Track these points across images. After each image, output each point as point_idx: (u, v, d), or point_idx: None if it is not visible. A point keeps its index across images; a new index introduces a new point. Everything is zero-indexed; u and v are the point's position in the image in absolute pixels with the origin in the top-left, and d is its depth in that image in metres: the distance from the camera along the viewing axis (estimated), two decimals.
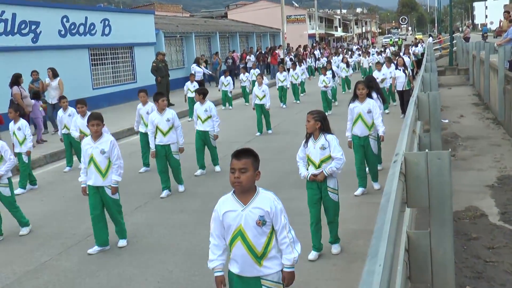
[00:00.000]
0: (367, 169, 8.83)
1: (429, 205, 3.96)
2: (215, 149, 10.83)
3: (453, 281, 3.97)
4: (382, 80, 16.63)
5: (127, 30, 24.82)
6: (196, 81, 21.27)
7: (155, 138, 9.32)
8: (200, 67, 24.03)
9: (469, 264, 5.88)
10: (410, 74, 17.10)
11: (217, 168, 10.86)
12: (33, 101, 14.97)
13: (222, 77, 21.16)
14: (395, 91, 16.63)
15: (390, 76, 16.67)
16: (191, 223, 7.90)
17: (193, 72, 21.87)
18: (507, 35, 15.46)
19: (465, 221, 7.20)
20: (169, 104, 19.99)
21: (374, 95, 9.34)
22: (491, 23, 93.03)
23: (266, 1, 64.78)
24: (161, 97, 9.45)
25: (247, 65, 29.52)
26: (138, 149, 11.91)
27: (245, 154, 3.80)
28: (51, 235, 7.76)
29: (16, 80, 14.25)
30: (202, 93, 10.71)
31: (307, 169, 6.36)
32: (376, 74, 16.69)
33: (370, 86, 8.98)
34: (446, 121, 14.62)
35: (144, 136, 11.06)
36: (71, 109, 11.59)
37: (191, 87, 18.46)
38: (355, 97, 8.65)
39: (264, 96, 14.57)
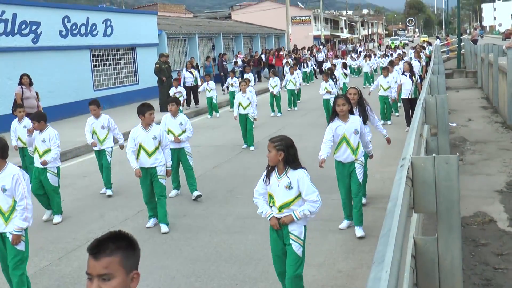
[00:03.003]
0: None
1: (436, 210, 3.91)
2: (191, 169, 9.21)
3: None
4: (387, 88, 15.42)
5: (129, 30, 24.73)
6: (187, 87, 20.66)
7: (137, 158, 7.76)
8: (190, 72, 22.08)
9: (478, 271, 5.78)
10: (418, 80, 15.49)
11: (196, 193, 9.10)
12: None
13: (205, 83, 19.58)
14: (400, 99, 14.75)
15: (395, 82, 15.17)
16: (194, 228, 7.79)
17: (181, 77, 21.22)
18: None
19: (473, 227, 7.07)
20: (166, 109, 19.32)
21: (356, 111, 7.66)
22: (500, 25, 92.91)
23: (271, 1, 64.84)
24: (148, 110, 7.67)
25: (238, 68, 28.56)
26: None
27: (109, 248, 2.39)
28: (51, 240, 7.66)
29: (20, 79, 14.13)
30: (178, 103, 9.32)
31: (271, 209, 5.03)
32: (380, 81, 15.73)
33: (361, 101, 7.77)
34: (454, 124, 14.47)
35: (99, 155, 9.88)
36: (26, 120, 10.16)
37: (171, 92, 17.39)
38: (334, 115, 7.11)
39: (249, 104, 13.04)
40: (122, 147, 9.99)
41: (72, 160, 12.98)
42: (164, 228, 7.66)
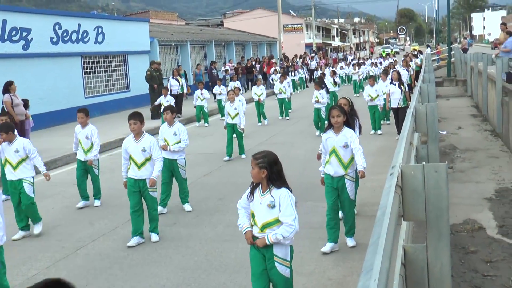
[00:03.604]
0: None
1: (426, 218, 3.91)
2: (185, 182, 9.03)
3: None
4: (375, 97, 15.35)
5: (121, 38, 24.72)
6: (172, 95, 20.06)
7: (128, 169, 7.62)
8: (176, 79, 21.66)
9: (467, 278, 5.79)
10: (407, 89, 15.40)
11: (187, 207, 8.94)
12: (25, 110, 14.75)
13: (198, 91, 19.12)
14: (389, 108, 14.63)
15: (384, 91, 14.95)
16: (184, 236, 7.76)
17: (168, 85, 20.88)
18: (505, 46, 15.54)
19: (463, 234, 7.09)
20: (157, 117, 19.44)
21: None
22: (489, 34, 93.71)
23: (263, 9, 65.01)
24: (130, 119, 7.50)
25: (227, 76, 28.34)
26: None
27: None
28: (39, 248, 7.59)
29: (6, 87, 14.03)
30: (173, 111, 9.10)
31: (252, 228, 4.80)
32: (368, 90, 15.71)
33: (351, 112, 7.51)
34: (444, 132, 14.55)
35: (82, 164, 9.56)
36: None
37: (164, 101, 17.01)
38: (330, 126, 6.85)
39: (237, 114, 12.86)
40: (90, 162, 9.44)
41: (62, 168, 12.92)
42: (154, 237, 7.60)
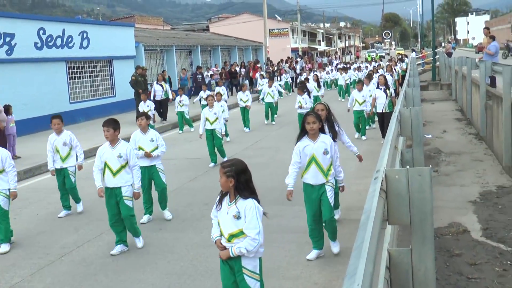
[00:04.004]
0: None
1: (410, 222, 3.91)
2: (165, 188, 8.71)
3: None
4: (362, 102, 15.13)
5: (106, 43, 24.63)
6: (157, 101, 20.02)
7: (103, 176, 7.39)
8: (160, 85, 21.28)
9: (452, 281, 5.82)
10: (393, 94, 15.09)
11: (167, 214, 8.71)
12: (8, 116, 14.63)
13: (178, 97, 18.72)
14: (373, 113, 14.55)
15: (370, 95, 14.90)
16: (170, 241, 7.73)
17: (151, 90, 20.71)
18: (488, 49, 15.76)
19: (448, 237, 7.13)
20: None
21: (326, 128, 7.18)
22: (473, 38, 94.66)
23: (248, 14, 65.25)
24: (104, 126, 7.35)
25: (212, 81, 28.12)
26: None
27: None
28: (23, 255, 7.52)
29: None
30: (148, 117, 8.80)
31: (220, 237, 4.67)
32: (355, 95, 15.43)
33: (330, 117, 7.37)
34: (430, 136, 14.65)
35: (60, 173, 9.36)
36: None
37: (144, 107, 16.77)
38: (303, 133, 6.57)
39: (216, 119, 12.65)
40: (80, 167, 9.44)
41: (46, 174, 12.79)
42: (139, 242, 7.47)
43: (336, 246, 6.75)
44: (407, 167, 3.95)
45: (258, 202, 4.54)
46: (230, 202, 4.53)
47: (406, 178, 3.86)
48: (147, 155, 8.47)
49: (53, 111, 20.05)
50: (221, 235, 4.60)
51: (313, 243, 6.74)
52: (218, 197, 4.65)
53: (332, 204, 6.57)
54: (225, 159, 12.66)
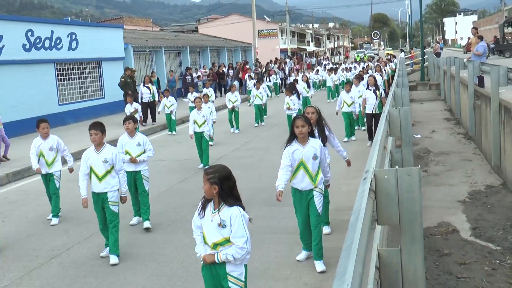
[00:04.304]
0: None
1: (399, 222, 3.92)
2: (147, 196, 8.45)
3: None
4: (351, 104, 14.95)
5: (95, 44, 24.49)
6: (144, 103, 19.70)
7: (90, 180, 7.23)
8: (147, 87, 20.64)
9: (441, 280, 5.85)
10: (383, 95, 14.75)
11: (147, 224, 8.23)
12: None
13: (164, 99, 18.43)
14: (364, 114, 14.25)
15: (360, 96, 14.71)
16: (160, 243, 7.71)
17: (138, 92, 20.37)
18: (477, 50, 15.88)
19: (437, 237, 7.17)
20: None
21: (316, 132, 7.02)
22: (461, 38, 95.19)
23: (237, 15, 65.22)
24: (89, 130, 7.21)
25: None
26: None
27: None
28: (12, 258, 7.46)
29: None
30: (135, 121, 8.54)
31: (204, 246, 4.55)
32: (344, 97, 15.21)
33: (320, 121, 7.27)
34: (419, 136, 14.72)
35: (45, 178, 9.24)
36: None
37: (131, 109, 16.59)
38: (292, 137, 6.36)
39: (204, 122, 12.47)
40: (71, 170, 9.29)
41: (35, 176, 12.71)
42: (113, 259, 6.98)
43: (319, 265, 6.36)
44: (396, 167, 3.96)
45: (243, 209, 4.41)
46: (214, 210, 4.39)
47: (395, 178, 3.87)
48: (132, 161, 8.32)
49: (42, 113, 20.00)
50: (205, 243, 4.48)
51: (303, 244, 6.71)
52: (201, 204, 4.50)
53: (320, 211, 6.42)
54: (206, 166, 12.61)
